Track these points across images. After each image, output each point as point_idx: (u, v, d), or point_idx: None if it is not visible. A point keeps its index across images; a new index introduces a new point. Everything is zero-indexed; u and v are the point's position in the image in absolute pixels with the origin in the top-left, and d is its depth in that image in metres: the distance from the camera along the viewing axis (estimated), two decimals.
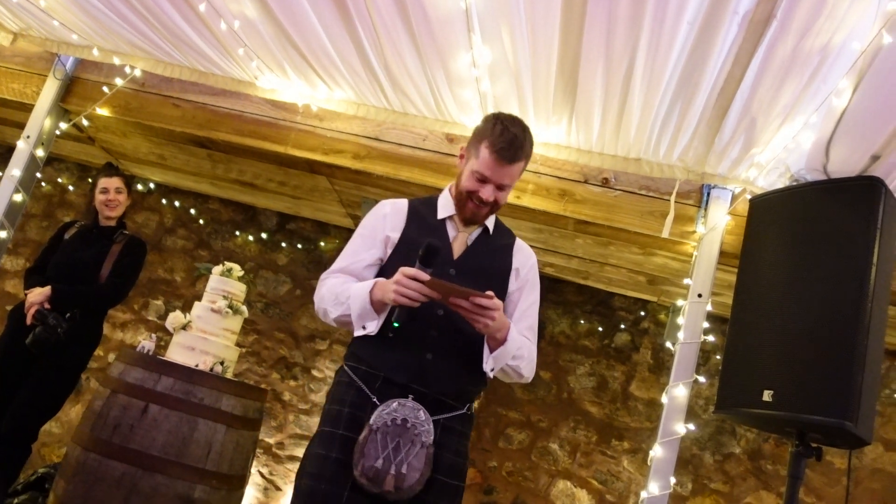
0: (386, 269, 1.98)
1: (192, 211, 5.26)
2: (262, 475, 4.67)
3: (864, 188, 2.27)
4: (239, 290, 3.57)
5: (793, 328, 2.26)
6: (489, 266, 2.02)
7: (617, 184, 3.07)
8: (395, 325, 1.82)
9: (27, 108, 3.68)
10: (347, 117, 3.30)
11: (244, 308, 3.54)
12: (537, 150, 3.01)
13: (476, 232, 2.04)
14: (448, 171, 3.17)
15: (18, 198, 3.57)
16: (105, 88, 3.53)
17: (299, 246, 5.08)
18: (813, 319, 2.22)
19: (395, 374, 1.88)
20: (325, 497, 1.80)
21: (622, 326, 4.66)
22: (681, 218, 2.97)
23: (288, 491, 4.56)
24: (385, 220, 2.02)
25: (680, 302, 2.95)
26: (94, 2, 3.01)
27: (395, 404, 1.85)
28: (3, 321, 3.55)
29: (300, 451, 4.64)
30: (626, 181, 3.06)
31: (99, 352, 4.43)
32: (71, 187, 5.45)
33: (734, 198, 2.92)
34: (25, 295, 3.40)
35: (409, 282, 1.75)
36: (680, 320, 2.86)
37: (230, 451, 3.02)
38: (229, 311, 3.43)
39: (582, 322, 4.71)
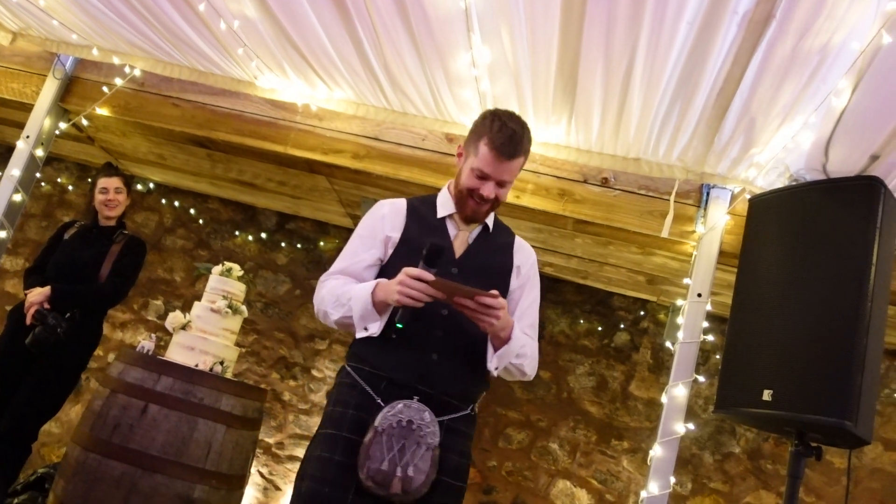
0: (387, 270, 1.96)
1: (192, 211, 5.26)
2: (261, 475, 4.67)
3: (864, 188, 2.27)
4: (238, 289, 3.57)
5: (792, 328, 2.26)
6: (491, 264, 2.01)
7: (616, 183, 3.07)
8: (399, 326, 1.79)
9: (27, 108, 3.68)
10: (347, 117, 3.30)
11: (244, 308, 3.54)
12: (537, 149, 3.02)
13: (476, 230, 2.03)
14: (448, 170, 3.17)
15: (18, 198, 3.57)
16: (104, 88, 3.53)
17: (299, 246, 5.08)
18: (812, 319, 2.22)
19: (401, 374, 1.86)
20: (328, 501, 1.77)
21: (622, 326, 4.66)
22: (680, 217, 2.97)
23: (288, 491, 4.56)
24: (384, 221, 2.00)
25: (679, 301, 2.95)
26: (94, 1, 3.01)
27: (400, 405, 1.82)
28: (2, 321, 3.55)
29: (300, 451, 4.64)
30: (625, 181, 3.06)
31: (99, 352, 4.43)
32: (70, 187, 5.45)
33: (733, 197, 2.92)
34: (25, 295, 3.40)
35: (414, 282, 1.73)
36: (679, 320, 2.86)
37: (230, 450, 3.02)
38: (229, 310, 3.43)
39: (581, 322, 4.71)
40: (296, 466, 4.56)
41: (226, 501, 3.02)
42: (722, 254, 2.90)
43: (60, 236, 3.64)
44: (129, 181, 3.67)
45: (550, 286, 4.70)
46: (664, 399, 2.76)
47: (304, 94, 3.26)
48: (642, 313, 4.67)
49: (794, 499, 2.21)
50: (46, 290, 3.33)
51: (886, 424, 4.19)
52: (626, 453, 4.45)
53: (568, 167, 3.10)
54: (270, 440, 4.71)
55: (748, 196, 2.75)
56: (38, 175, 3.72)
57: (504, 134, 1.86)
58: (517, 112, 1.98)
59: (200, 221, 5.24)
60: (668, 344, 3.03)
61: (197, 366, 3.18)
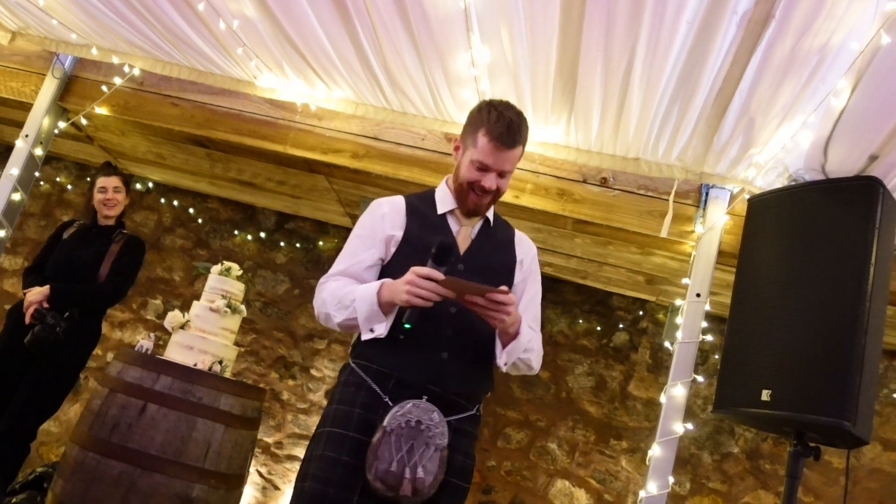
0: (390, 269, 1.92)
1: (191, 210, 5.26)
2: (260, 474, 4.67)
3: (863, 188, 2.27)
4: (237, 289, 3.57)
5: (791, 328, 2.26)
6: (496, 260, 1.99)
7: (615, 183, 3.07)
8: (407, 326, 1.76)
9: (26, 107, 3.68)
10: (346, 117, 3.30)
11: (243, 307, 3.54)
12: (536, 149, 3.02)
13: (478, 225, 2.01)
14: (447, 170, 3.15)
15: (17, 197, 3.57)
16: (104, 87, 3.53)
17: (298, 245, 5.08)
18: (811, 319, 2.22)
19: (411, 374, 1.82)
20: (333, 502, 1.74)
21: (621, 326, 4.67)
22: (679, 217, 2.98)
23: (287, 490, 4.56)
24: (384, 220, 1.96)
25: (678, 301, 2.95)
26: (93, 1, 3.01)
27: (409, 405, 1.78)
28: (1, 320, 3.55)
29: (299, 451, 4.64)
30: (624, 181, 3.06)
31: (97, 351, 4.43)
32: (69, 186, 5.44)
33: (732, 197, 2.92)
34: (24, 294, 3.39)
35: (423, 281, 1.70)
36: (678, 320, 2.87)
37: (228, 450, 3.01)
38: (228, 310, 3.43)
39: (580, 321, 4.71)
40: (295, 466, 4.56)
41: (224, 501, 3.02)
42: (721, 254, 2.90)
43: (59, 235, 3.63)
44: (128, 180, 3.67)
45: (550, 286, 4.69)
46: (663, 399, 2.76)
47: (304, 93, 3.26)
48: (641, 313, 4.67)
49: (792, 499, 2.21)
50: (45, 289, 3.32)
51: (885, 424, 4.20)
52: (625, 453, 4.45)
53: (567, 167, 3.10)
54: (269, 440, 4.71)
55: (747, 196, 2.75)
56: (37, 174, 3.72)
57: (502, 123, 1.84)
58: None
59: (199, 221, 5.24)
60: (666, 344, 3.03)
61: (196, 365, 3.18)
